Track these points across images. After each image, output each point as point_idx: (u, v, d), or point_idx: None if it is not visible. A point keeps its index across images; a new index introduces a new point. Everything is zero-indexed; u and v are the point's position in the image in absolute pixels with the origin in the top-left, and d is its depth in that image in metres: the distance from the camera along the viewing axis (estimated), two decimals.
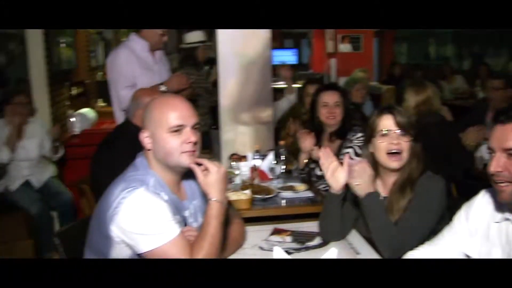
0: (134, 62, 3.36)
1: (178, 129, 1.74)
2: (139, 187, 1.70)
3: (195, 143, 1.76)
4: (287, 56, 7.88)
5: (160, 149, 1.77)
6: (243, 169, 3.12)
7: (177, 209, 1.81)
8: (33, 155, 3.97)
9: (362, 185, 1.94)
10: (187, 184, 1.93)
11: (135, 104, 2.83)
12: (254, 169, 3.07)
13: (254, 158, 3.17)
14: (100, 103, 6.20)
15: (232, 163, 3.19)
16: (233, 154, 3.30)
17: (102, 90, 5.78)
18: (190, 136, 1.75)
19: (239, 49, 3.33)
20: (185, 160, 1.76)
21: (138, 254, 1.70)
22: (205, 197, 1.86)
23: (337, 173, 1.98)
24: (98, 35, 6.81)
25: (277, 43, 9.07)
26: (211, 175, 1.75)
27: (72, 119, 4.86)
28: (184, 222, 1.83)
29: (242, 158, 3.24)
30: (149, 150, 1.80)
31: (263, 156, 3.17)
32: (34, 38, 4.54)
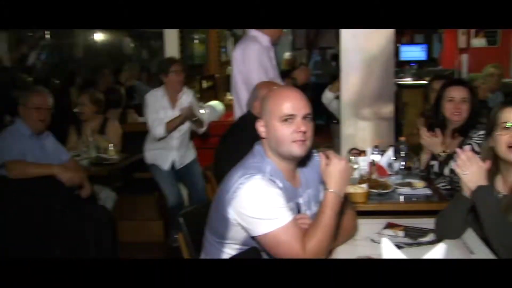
0: (265, 56, 3.50)
1: (289, 118, 1.83)
2: (256, 174, 1.81)
3: (305, 133, 1.84)
4: (416, 52, 7.64)
5: (273, 138, 1.86)
6: (362, 164, 3.14)
7: (291, 196, 1.89)
8: (184, 126, 4.16)
9: (470, 176, 1.89)
10: (302, 173, 2.01)
11: (254, 95, 2.99)
12: (372, 164, 3.08)
13: (373, 153, 3.17)
14: (229, 96, 6.50)
15: (351, 158, 3.22)
16: (352, 149, 3.33)
17: (230, 84, 6.07)
18: (300, 125, 1.83)
19: (361, 45, 3.35)
20: (295, 149, 1.84)
21: (252, 237, 1.81)
22: (320, 187, 1.93)
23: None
24: (229, 31, 7.12)
25: (407, 38, 8.82)
26: (332, 166, 1.81)
27: (202, 111, 5.14)
28: (297, 209, 1.92)
29: (361, 153, 3.26)
30: (264, 138, 1.91)
31: (382, 152, 3.16)
32: (171, 35, 4.89)
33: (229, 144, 3.03)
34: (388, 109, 3.45)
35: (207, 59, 6.06)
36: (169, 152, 4.16)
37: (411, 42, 8.50)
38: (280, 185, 1.85)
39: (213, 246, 1.92)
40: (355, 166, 3.12)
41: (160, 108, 4.06)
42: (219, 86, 6.59)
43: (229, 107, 5.77)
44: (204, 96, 5.74)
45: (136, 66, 7.74)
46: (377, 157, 3.14)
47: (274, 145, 1.87)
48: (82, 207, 3.38)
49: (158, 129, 3.99)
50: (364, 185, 2.70)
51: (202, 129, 4.30)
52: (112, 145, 4.15)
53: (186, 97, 4.18)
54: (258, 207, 1.76)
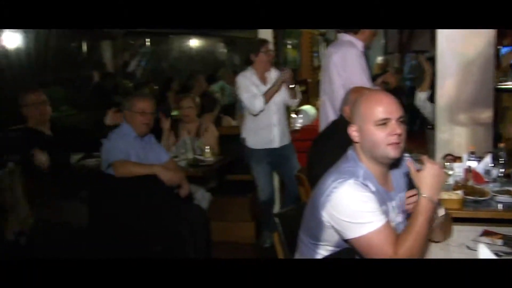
0: (363, 60, 3.53)
1: (384, 122, 1.85)
2: (349, 178, 1.84)
3: (400, 135, 1.85)
4: None
5: (367, 142, 1.89)
6: (457, 170, 3.07)
7: (383, 200, 1.91)
8: (279, 99, 4.24)
9: None
10: (394, 176, 2.02)
11: (345, 100, 3.02)
12: (468, 170, 3.00)
13: (469, 160, 3.09)
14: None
15: (446, 164, 3.16)
16: (447, 155, 3.26)
17: None
18: (395, 128, 1.85)
19: (458, 48, 3.28)
20: (391, 152, 1.86)
21: (345, 240, 1.85)
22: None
23: None
24: (321, 36, 7.16)
25: (509, 40, 8.39)
26: (425, 171, 1.82)
27: (295, 115, 5.22)
28: (389, 213, 1.93)
29: (457, 159, 3.18)
30: (357, 143, 1.95)
31: (479, 158, 3.07)
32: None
33: (321, 148, 3.08)
34: (486, 115, 3.35)
35: (299, 64, 6.14)
36: (270, 129, 4.26)
37: None
38: (373, 189, 1.87)
39: (307, 247, 1.98)
40: (450, 172, 3.06)
41: (251, 85, 4.20)
42: (311, 90, 6.65)
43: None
44: None
45: (229, 71, 7.99)
46: (473, 164, 3.06)
47: (368, 149, 1.90)
48: (179, 207, 3.56)
49: (257, 103, 4.12)
50: (459, 192, 2.65)
51: (296, 101, 4.38)
52: (209, 147, 4.32)
53: (275, 75, 4.30)
54: (351, 211, 1.80)
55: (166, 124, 4.59)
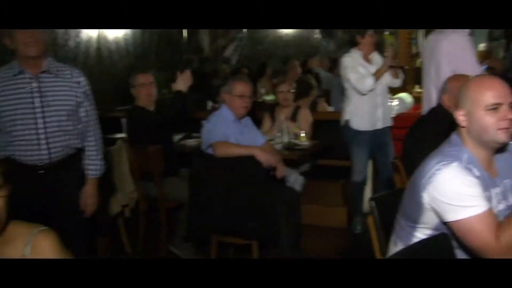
0: (473, 45, 3.51)
1: (495, 107, 1.84)
2: (453, 161, 1.85)
3: (511, 120, 1.83)
4: None
5: (476, 126, 1.88)
6: None
7: (487, 186, 1.89)
8: (383, 81, 4.29)
9: None
10: (499, 162, 2.00)
11: (444, 88, 3.02)
12: None
13: None
14: (417, 89, 6.39)
15: None
16: None
17: (419, 76, 5.99)
18: (507, 113, 1.83)
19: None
20: (501, 136, 1.85)
21: (444, 223, 1.86)
22: None
23: None
24: None
25: None
26: None
27: (392, 103, 5.16)
28: (492, 200, 1.91)
29: None
30: (463, 127, 1.93)
31: None
32: None
33: (418, 136, 3.07)
34: None
35: (397, 50, 6.03)
36: (375, 110, 4.33)
37: None
38: (477, 173, 1.86)
39: (405, 230, 2.00)
40: None
41: (358, 65, 4.25)
42: (408, 78, 6.50)
43: (417, 99, 5.70)
44: (392, 89, 5.74)
45: (324, 58, 8.00)
46: None
47: (476, 133, 1.90)
48: (274, 188, 3.67)
49: (367, 82, 4.18)
50: None
51: (398, 81, 4.41)
52: (304, 131, 4.39)
53: (377, 57, 4.36)
54: (453, 193, 1.81)
55: (264, 115, 4.77)
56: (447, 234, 1.86)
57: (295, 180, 4.51)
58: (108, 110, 5.54)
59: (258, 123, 4.53)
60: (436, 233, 1.90)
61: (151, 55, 7.63)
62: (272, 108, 4.94)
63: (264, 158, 3.45)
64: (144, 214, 4.08)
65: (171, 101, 4.02)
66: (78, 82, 2.75)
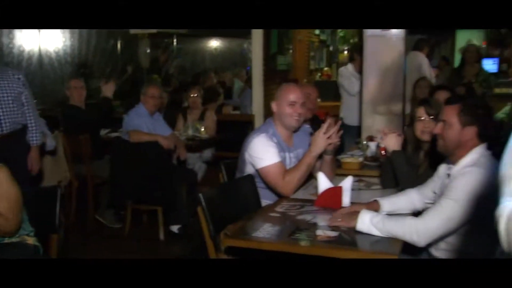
0: None
1: (293, 104, 3.19)
2: (262, 133, 3.07)
3: (300, 113, 3.26)
4: (490, 65, 8.29)
5: (281, 114, 3.11)
6: (372, 146, 4.26)
7: (284, 150, 3.12)
8: None
9: (389, 144, 3.01)
10: (296, 138, 3.23)
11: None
12: (379, 147, 4.19)
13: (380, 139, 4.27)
14: None
15: (365, 142, 4.35)
16: (369, 136, 4.44)
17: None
18: (298, 109, 3.28)
19: (379, 57, 4.47)
20: (294, 122, 3.11)
21: (256, 170, 3.07)
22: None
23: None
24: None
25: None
26: (315, 135, 2.99)
27: None
28: (286, 159, 3.14)
29: (374, 139, 4.36)
30: (275, 113, 3.15)
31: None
32: None
33: None
34: (397, 107, 4.54)
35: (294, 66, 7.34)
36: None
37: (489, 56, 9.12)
38: (276, 141, 3.08)
39: None
40: (369, 148, 4.26)
41: (351, 76, 5.70)
42: None
43: None
44: None
45: (242, 70, 9.28)
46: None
47: (280, 117, 3.11)
48: (177, 168, 4.87)
49: (356, 87, 5.53)
50: (361, 158, 3.86)
51: None
52: (204, 127, 5.59)
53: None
54: (259, 151, 3.01)
55: (178, 115, 5.91)
56: (252, 175, 3.07)
57: (199, 167, 5.71)
58: (48, 110, 6.54)
59: None
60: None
61: (88, 64, 8.66)
62: (184, 110, 6.10)
63: (166, 143, 4.62)
64: (76, 190, 5.14)
65: (99, 105, 5.17)
66: (19, 78, 3.82)
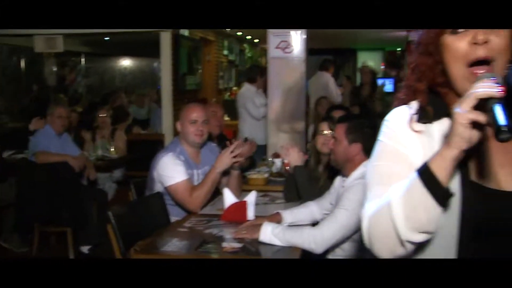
0: None
1: (194, 122, 3.40)
2: (169, 152, 3.19)
3: (202, 131, 3.47)
4: (387, 85, 8.90)
5: (184, 132, 3.26)
6: (277, 163, 4.49)
7: (191, 167, 3.25)
8: None
9: (291, 160, 3.24)
10: (203, 155, 3.38)
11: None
12: (284, 163, 4.42)
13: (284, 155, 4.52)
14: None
15: (271, 159, 4.58)
16: (274, 153, 4.68)
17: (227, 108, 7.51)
18: (199, 126, 3.55)
19: (282, 79, 4.75)
20: (196, 140, 3.25)
21: (165, 188, 3.18)
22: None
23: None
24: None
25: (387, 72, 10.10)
26: (220, 154, 3.17)
27: None
28: (194, 176, 3.28)
29: (279, 156, 4.60)
30: (179, 132, 3.29)
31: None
32: None
33: None
34: (300, 125, 4.83)
35: (204, 85, 7.51)
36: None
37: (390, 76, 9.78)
38: (183, 159, 3.21)
39: None
40: (275, 164, 4.48)
41: (255, 97, 5.73)
42: None
43: None
44: None
45: (153, 90, 9.33)
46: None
47: (184, 135, 3.26)
48: (87, 188, 4.85)
49: (262, 111, 5.62)
50: (266, 174, 4.07)
51: None
52: (113, 147, 5.60)
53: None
54: (167, 169, 3.13)
55: (86, 135, 5.85)
56: (161, 193, 3.19)
57: (109, 187, 5.70)
58: None
59: None
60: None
61: None
62: (94, 130, 6.07)
63: (75, 163, 4.61)
64: None
65: None
66: None
